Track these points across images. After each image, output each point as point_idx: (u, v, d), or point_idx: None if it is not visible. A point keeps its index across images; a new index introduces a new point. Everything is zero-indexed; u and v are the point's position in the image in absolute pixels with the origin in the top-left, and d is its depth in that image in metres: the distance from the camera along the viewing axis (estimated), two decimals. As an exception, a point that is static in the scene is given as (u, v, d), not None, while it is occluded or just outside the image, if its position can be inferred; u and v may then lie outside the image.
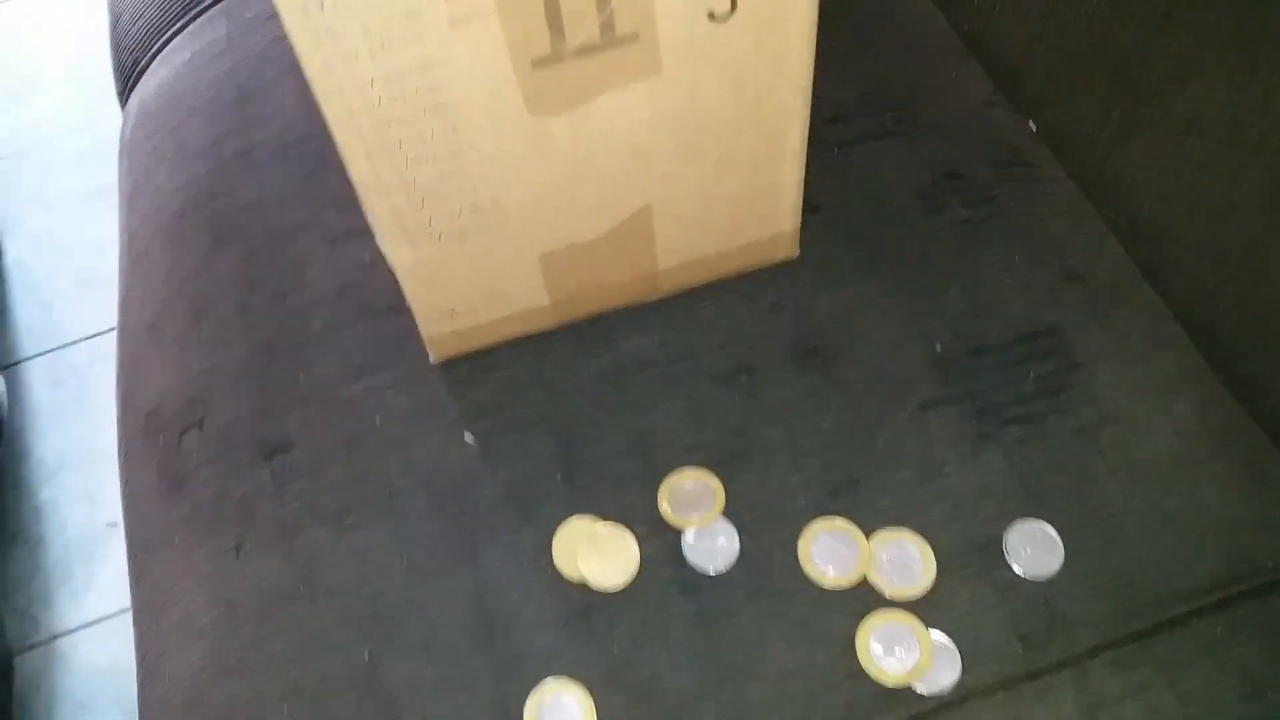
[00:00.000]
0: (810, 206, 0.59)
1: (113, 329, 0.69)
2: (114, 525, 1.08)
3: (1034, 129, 0.67)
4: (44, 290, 1.25)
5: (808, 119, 0.48)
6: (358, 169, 0.43)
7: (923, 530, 0.49)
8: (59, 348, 1.21)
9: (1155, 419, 0.52)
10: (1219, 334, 0.56)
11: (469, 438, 0.53)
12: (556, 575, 0.49)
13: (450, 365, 0.56)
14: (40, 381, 1.18)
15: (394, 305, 0.58)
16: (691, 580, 0.49)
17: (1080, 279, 0.57)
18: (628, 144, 0.46)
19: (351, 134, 0.41)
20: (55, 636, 1.02)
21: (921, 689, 0.45)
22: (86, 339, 1.20)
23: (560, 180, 0.46)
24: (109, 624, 1.02)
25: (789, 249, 0.57)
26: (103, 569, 1.05)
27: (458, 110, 0.41)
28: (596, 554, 0.49)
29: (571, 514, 0.51)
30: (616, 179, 0.47)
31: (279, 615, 0.50)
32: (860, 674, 0.46)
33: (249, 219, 0.64)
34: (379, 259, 0.60)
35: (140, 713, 0.53)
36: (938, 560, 0.48)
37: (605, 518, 0.50)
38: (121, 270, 0.69)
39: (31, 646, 1.01)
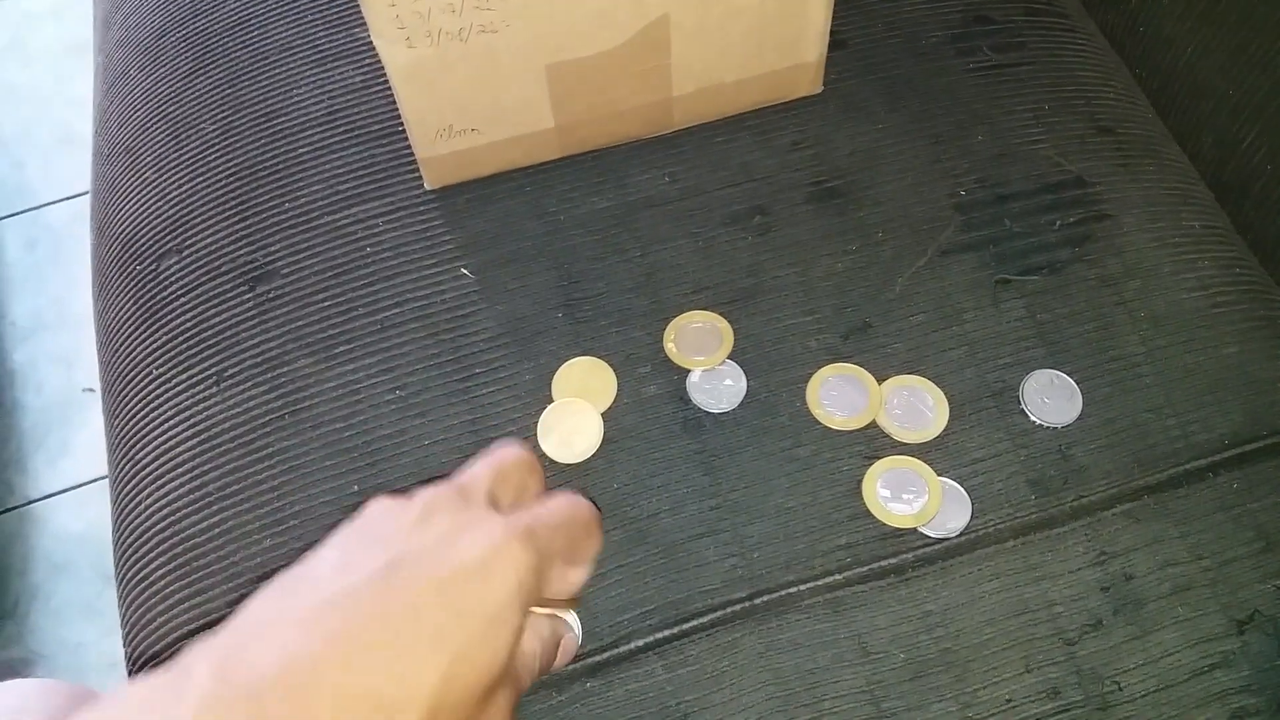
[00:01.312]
0: (837, 42, 0.56)
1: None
2: (91, 390, 1.05)
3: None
4: (19, 148, 1.20)
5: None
6: (353, -51, 0.39)
7: (937, 376, 0.47)
8: (34, 208, 1.16)
9: (1180, 274, 0.50)
10: (1249, 193, 0.54)
11: (466, 271, 0.51)
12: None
13: (446, 194, 0.52)
14: (14, 242, 1.14)
15: (387, 130, 0.55)
16: (695, 418, 0.47)
17: (1109, 132, 0.54)
18: (648, -61, 0.42)
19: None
20: (30, 501, 1.00)
21: (929, 532, 0.44)
22: (64, 200, 1.16)
23: (572, -22, 0.43)
24: (87, 490, 1.00)
25: (812, 84, 0.54)
26: (80, 434, 1.03)
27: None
28: (558, 434, 0.46)
29: (574, 352, 0.48)
30: (633, -19, 0.44)
31: (261, 445, 0.48)
32: (865, 515, 0.45)
33: (232, 39, 0.60)
34: (372, 81, 0.56)
35: (114, 546, 0.52)
36: (951, 407, 0.46)
37: (608, 359, 0.48)
38: (97, 94, 0.65)
39: (5, 510, 0.99)
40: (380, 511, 0.30)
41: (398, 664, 0.26)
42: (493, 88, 0.47)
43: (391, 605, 0.26)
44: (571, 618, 0.34)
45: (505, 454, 0.32)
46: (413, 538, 0.28)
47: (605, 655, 0.43)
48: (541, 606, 0.33)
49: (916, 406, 0.46)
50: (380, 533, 0.29)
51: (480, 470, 0.32)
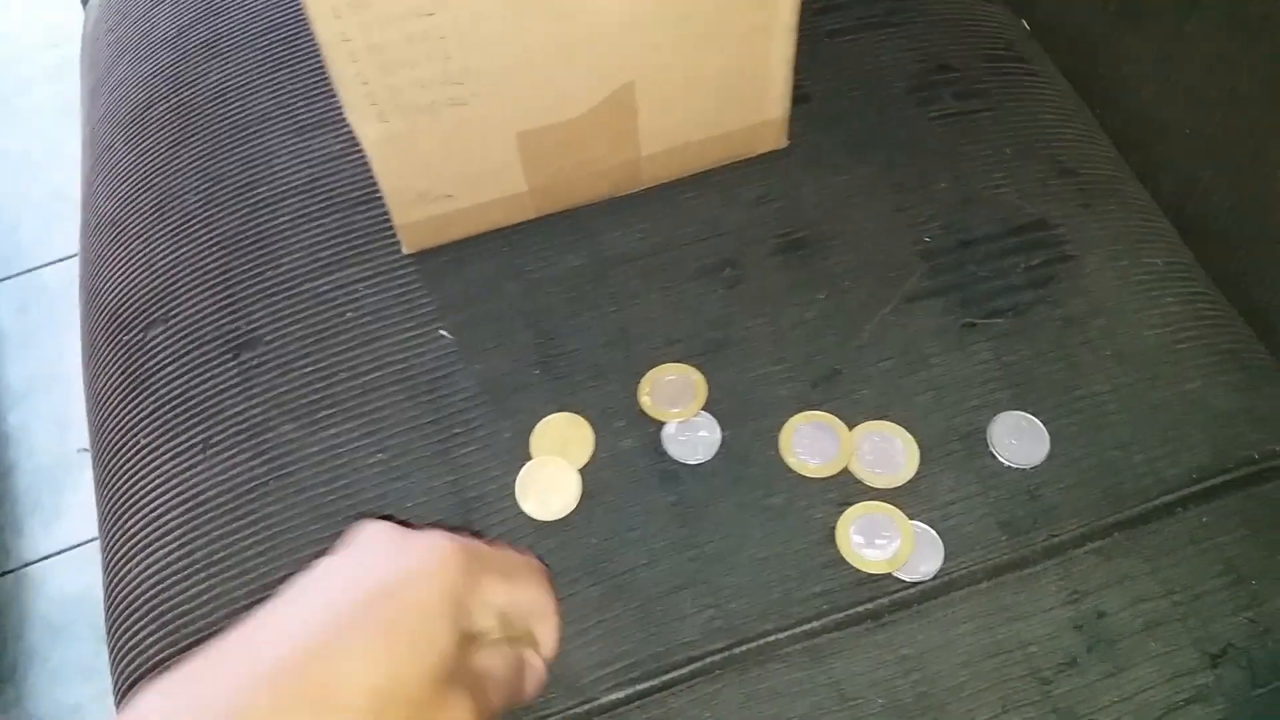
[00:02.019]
0: (800, 96, 0.57)
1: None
2: (85, 451, 1.06)
3: (1026, 27, 0.65)
4: (12, 211, 1.21)
5: (797, -6, 0.46)
6: (324, 29, 0.41)
7: (906, 421, 0.48)
8: (28, 270, 1.18)
9: (1144, 311, 0.51)
10: (1210, 230, 0.55)
11: (444, 332, 0.52)
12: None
13: (424, 257, 0.54)
14: (8, 305, 1.15)
15: (364, 197, 0.56)
16: (671, 470, 0.48)
17: (1071, 173, 0.56)
18: (612, 11, 0.44)
19: (315, -9, 0.39)
20: (27, 564, 1.00)
21: (903, 576, 0.45)
22: (58, 261, 1.17)
23: (539, 50, 0.44)
24: (82, 551, 1.01)
25: (777, 139, 0.55)
26: (74, 496, 1.03)
27: (427, -34, 0.39)
28: (536, 493, 0.47)
29: (551, 409, 0.49)
30: (599, 50, 0.45)
31: (247, 512, 0.49)
32: (840, 562, 0.45)
33: (215, 110, 0.62)
34: (350, 150, 0.58)
35: (106, 614, 0.52)
36: (921, 450, 0.47)
37: (584, 415, 0.49)
38: (84, 167, 0.67)
39: (2, 574, 0.99)
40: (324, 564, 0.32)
41: (343, 662, 0.28)
42: (465, 156, 0.48)
43: (331, 611, 0.29)
44: (535, 657, 0.37)
45: None
46: (351, 556, 0.31)
47: (586, 709, 0.44)
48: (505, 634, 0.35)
49: (887, 452, 0.47)
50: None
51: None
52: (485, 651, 0.34)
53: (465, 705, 0.31)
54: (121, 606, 0.51)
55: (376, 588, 0.30)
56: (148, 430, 0.53)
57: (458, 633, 0.31)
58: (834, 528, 0.46)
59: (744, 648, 0.44)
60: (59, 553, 1.01)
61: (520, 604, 0.35)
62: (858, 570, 0.45)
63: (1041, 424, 0.47)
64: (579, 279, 0.53)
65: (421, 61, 0.43)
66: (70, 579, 0.99)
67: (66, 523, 1.02)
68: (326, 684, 0.28)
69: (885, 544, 0.45)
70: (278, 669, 0.28)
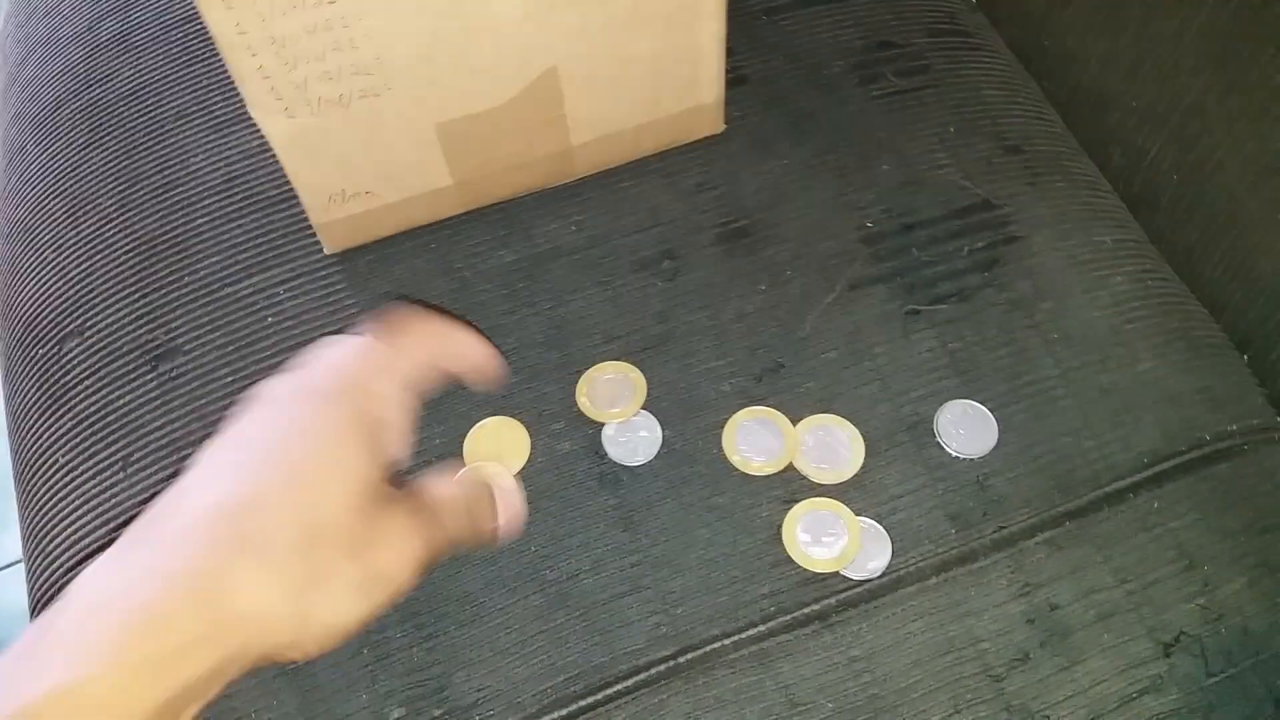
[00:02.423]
0: (737, 78, 0.55)
1: None
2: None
3: (973, 0, 0.64)
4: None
5: (724, -30, 0.44)
6: (216, 21, 0.38)
7: (850, 413, 0.46)
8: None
9: (1092, 292, 0.50)
10: (1159, 203, 0.54)
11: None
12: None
13: (348, 257, 0.51)
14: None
15: (284, 195, 0.53)
16: (611, 473, 0.46)
17: (1017, 150, 0.54)
18: (524, -6, 0.41)
19: (204, -19, 0.37)
20: (-24, 575, 0.98)
21: (851, 575, 0.43)
22: None
23: (451, 36, 0.42)
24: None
25: (713, 124, 0.53)
26: (22, 506, 1.00)
27: (323, -48, 0.37)
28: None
29: (485, 412, 0.48)
30: (515, 34, 0.43)
31: (171, 528, 0.47)
32: (787, 561, 0.44)
33: (128, 108, 0.59)
34: (268, 145, 0.55)
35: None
36: (866, 443, 0.46)
37: (520, 417, 0.47)
38: (-5, 172, 0.64)
39: (-51, 587, 0.96)
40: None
41: (255, 493, 0.29)
42: (383, 150, 0.46)
43: (243, 451, 0.31)
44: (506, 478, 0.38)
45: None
46: (257, 399, 0.33)
47: (528, 727, 0.42)
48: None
49: (832, 446, 0.45)
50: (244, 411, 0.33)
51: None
52: (432, 481, 0.34)
53: (404, 535, 0.31)
54: (44, 633, 0.49)
55: (284, 430, 0.31)
56: (66, 448, 0.51)
57: (374, 458, 0.32)
58: (780, 526, 0.44)
59: (691, 655, 0.43)
60: (6, 566, 0.98)
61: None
62: (805, 570, 0.44)
63: (989, 412, 0.46)
64: (512, 275, 0.51)
65: (326, 53, 0.41)
66: (19, 593, 0.96)
67: (12, 537, 0.99)
68: (257, 526, 0.29)
69: (832, 541, 0.44)
70: (208, 520, 0.29)
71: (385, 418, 0.33)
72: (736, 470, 0.46)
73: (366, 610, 0.30)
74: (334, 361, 0.34)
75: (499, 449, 0.47)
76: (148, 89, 0.59)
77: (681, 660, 0.43)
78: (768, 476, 0.45)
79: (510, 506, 0.37)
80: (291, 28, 0.39)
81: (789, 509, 0.45)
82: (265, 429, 0.32)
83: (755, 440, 0.46)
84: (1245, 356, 0.51)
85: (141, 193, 0.55)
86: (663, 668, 0.43)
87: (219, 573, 0.28)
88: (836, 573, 0.44)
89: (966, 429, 0.45)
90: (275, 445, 0.31)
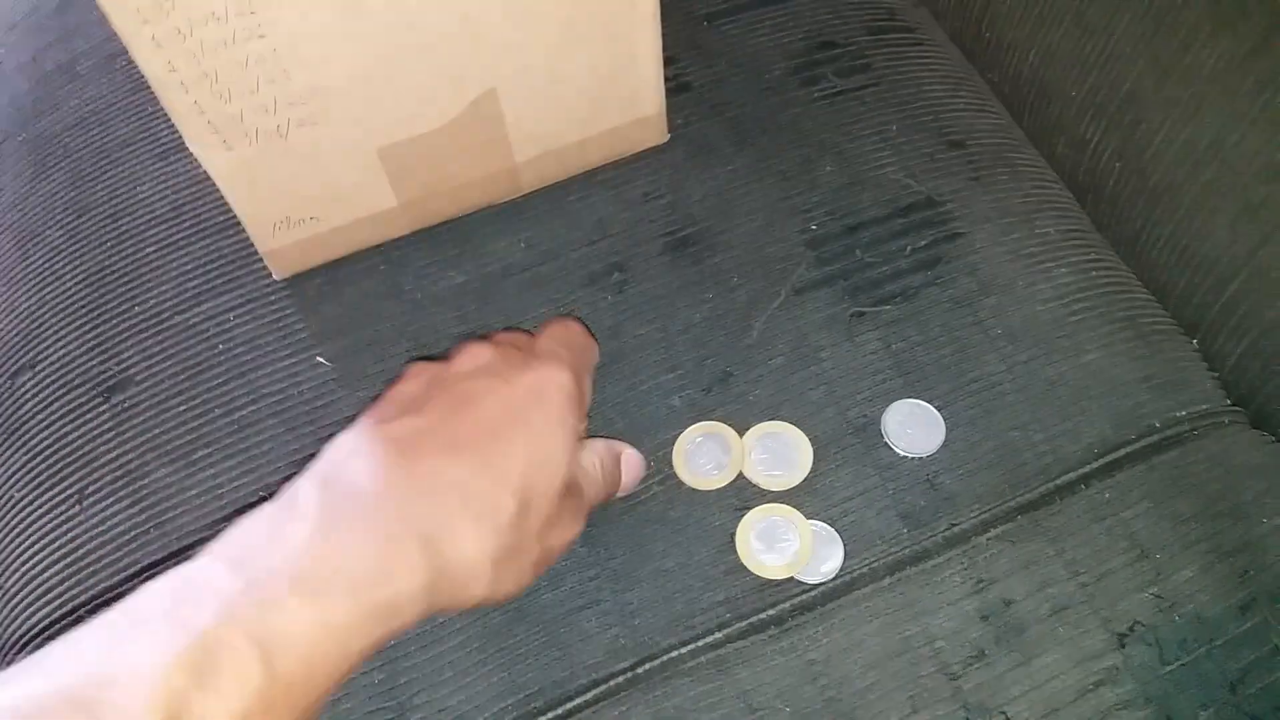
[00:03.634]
0: (680, 86, 0.56)
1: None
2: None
3: (915, -7, 0.64)
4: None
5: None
6: (146, 60, 0.38)
7: (799, 418, 0.46)
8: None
9: (1036, 285, 0.50)
10: (1103, 192, 0.54)
11: (322, 359, 0.49)
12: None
13: (298, 281, 0.51)
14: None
15: (233, 220, 0.53)
16: (564, 488, 0.46)
17: (960, 145, 0.54)
18: (457, 13, 0.41)
19: (129, 18, 0.37)
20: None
21: (805, 579, 0.44)
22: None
23: (385, 62, 0.42)
24: None
25: (658, 134, 0.53)
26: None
27: (246, -16, 0.37)
28: None
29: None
30: (450, 55, 0.43)
31: (128, 563, 0.47)
32: (742, 569, 0.44)
33: (74, 138, 0.59)
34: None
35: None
36: (815, 447, 0.46)
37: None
38: (-57, 207, 0.63)
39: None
40: (421, 370, 0.37)
41: (487, 466, 0.32)
42: (325, 176, 0.46)
43: (469, 427, 0.33)
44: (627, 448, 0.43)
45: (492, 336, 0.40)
46: (468, 381, 0.35)
47: (489, 745, 0.42)
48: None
49: (781, 453, 0.46)
50: (430, 383, 0.36)
51: (482, 341, 0.38)
52: (585, 453, 0.39)
53: (574, 517, 0.36)
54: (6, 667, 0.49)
55: (503, 405, 0.34)
56: (20, 483, 0.51)
57: (575, 437, 0.36)
58: (733, 535, 0.45)
59: (649, 665, 0.43)
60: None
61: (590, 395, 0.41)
62: (759, 577, 0.44)
63: (936, 410, 0.46)
64: (463, 295, 0.51)
65: (261, 85, 0.41)
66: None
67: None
68: (485, 493, 0.32)
69: (785, 547, 0.44)
70: (437, 483, 0.32)
71: (584, 410, 0.38)
72: (687, 484, 0.46)
73: (530, 582, 0.35)
74: (568, 340, 0.39)
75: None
76: (94, 118, 0.59)
77: (640, 671, 0.43)
78: (719, 489, 0.46)
79: (634, 469, 0.43)
80: (223, 63, 0.39)
81: (742, 516, 0.45)
82: (499, 402, 0.34)
83: (705, 456, 0.46)
84: (1194, 341, 0.52)
85: (90, 223, 0.55)
86: (622, 679, 0.43)
87: (445, 531, 0.31)
88: (791, 578, 0.44)
89: (914, 428, 0.46)
90: (510, 419, 0.34)
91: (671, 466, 0.46)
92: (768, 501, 0.45)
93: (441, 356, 0.38)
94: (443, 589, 0.31)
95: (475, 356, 0.37)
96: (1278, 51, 0.44)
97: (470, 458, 0.32)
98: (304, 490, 0.31)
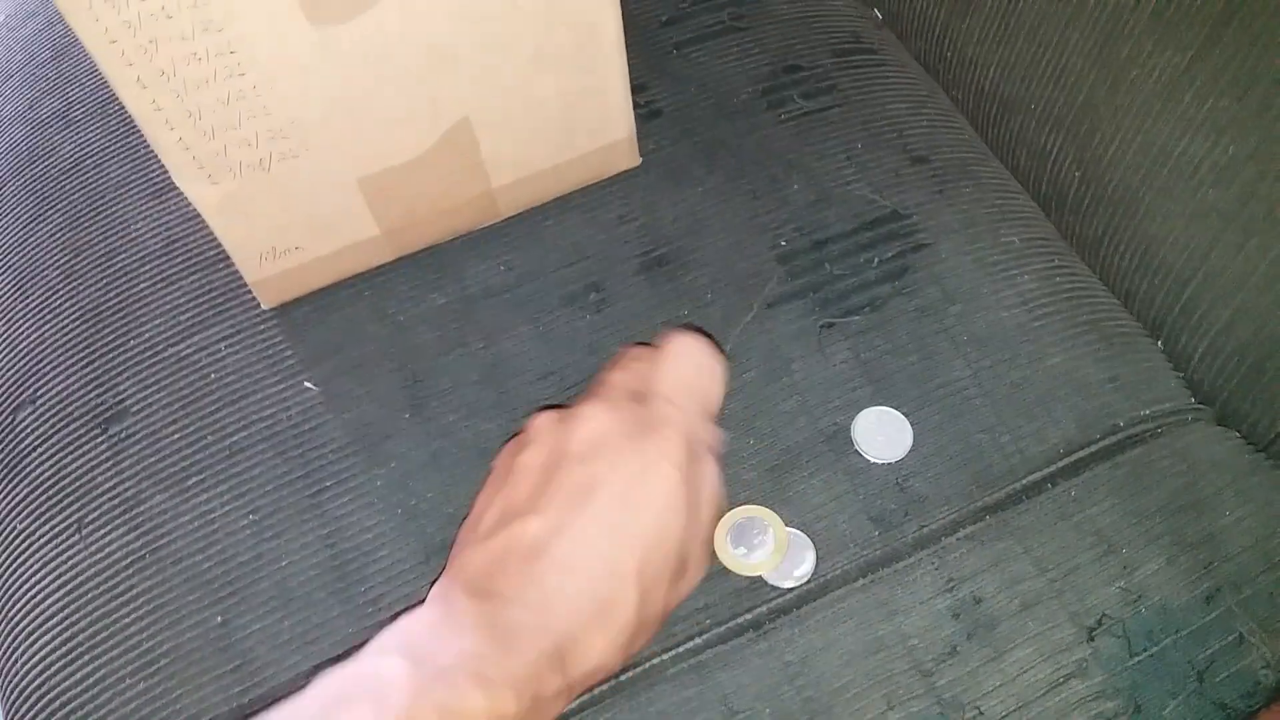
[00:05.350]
0: (652, 112, 0.57)
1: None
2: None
3: (879, 16, 0.66)
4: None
5: (619, 9, 0.46)
6: (132, 100, 0.40)
7: (771, 429, 0.48)
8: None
9: (1000, 292, 0.52)
10: (1066, 201, 0.56)
11: (309, 384, 0.51)
12: (411, 514, 0.48)
13: (286, 310, 0.53)
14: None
15: (223, 254, 0.55)
16: (546, 502, 0.47)
17: (924, 160, 0.56)
18: (427, 45, 0.43)
19: (115, 61, 0.39)
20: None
21: (779, 582, 0.45)
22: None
23: (360, 95, 0.44)
24: None
25: (629, 158, 0.55)
26: None
27: (228, 26, 0.39)
28: None
29: (424, 453, 0.49)
30: (424, 89, 0.45)
31: (125, 589, 0.48)
32: (721, 574, 0.45)
33: (70, 181, 0.61)
34: (201, 209, 0.57)
35: None
36: (789, 456, 0.47)
37: (458, 455, 0.49)
38: (-56, 251, 0.65)
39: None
40: (542, 435, 0.38)
41: (607, 552, 0.35)
42: (307, 207, 0.48)
43: (589, 524, 0.35)
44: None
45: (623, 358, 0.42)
46: (584, 467, 0.36)
47: (477, 754, 0.43)
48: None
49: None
50: (548, 461, 0.37)
51: (601, 404, 0.39)
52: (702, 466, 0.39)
53: (698, 569, 0.40)
54: (12, 697, 0.50)
55: (617, 495, 0.36)
56: (22, 515, 0.52)
57: (691, 513, 0.37)
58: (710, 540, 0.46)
59: (632, 672, 0.44)
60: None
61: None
62: (737, 577, 0.45)
63: (904, 417, 0.48)
64: (445, 317, 0.53)
65: (242, 121, 0.43)
66: None
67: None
68: (611, 600, 0.35)
69: (759, 548, 0.45)
70: (574, 590, 0.35)
71: (708, 471, 0.40)
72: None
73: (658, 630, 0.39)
74: (688, 381, 0.40)
75: (438, 486, 0.48)
76: (88, 161, 0.61)
77: (623, 678, 0.44)
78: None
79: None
80: (206, 100, 0.41)
81: (717, 520, 0.46)
82: (616, 490, 0.36)
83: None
84: (1159, 342, 0.53)
85: (86, 262, 0.57)
86: (605, 686, 0.44)
87: (579, 645, 0.35)
88: (767, 583, 0.45)
89: (883, 435, 0.47)
90: (625, 507, 0.36)
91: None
92: (740, 505, 0.46)
93: (564, 402, 0.40)
94: (579, 683, 0.36)
95: (593, 424, 0.37)
96: (1217, 61, 0.45)
97: (594, 563, 0.35)
98: (458, 600, 0.35)
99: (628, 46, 0.49)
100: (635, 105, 0.54)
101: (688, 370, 0.40)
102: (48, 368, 0.55)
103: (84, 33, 0.37)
